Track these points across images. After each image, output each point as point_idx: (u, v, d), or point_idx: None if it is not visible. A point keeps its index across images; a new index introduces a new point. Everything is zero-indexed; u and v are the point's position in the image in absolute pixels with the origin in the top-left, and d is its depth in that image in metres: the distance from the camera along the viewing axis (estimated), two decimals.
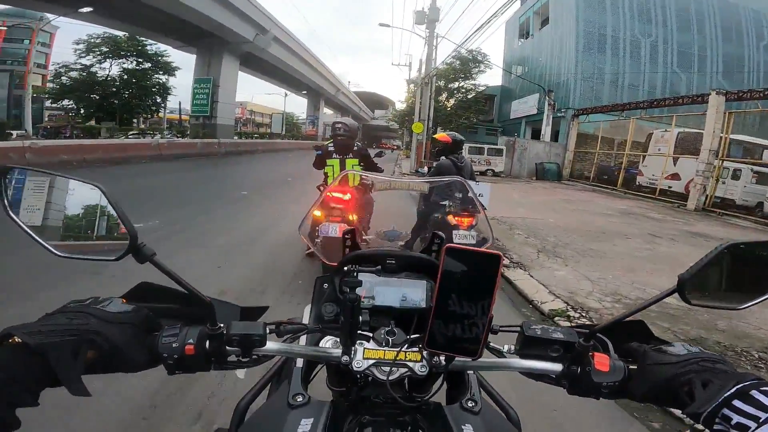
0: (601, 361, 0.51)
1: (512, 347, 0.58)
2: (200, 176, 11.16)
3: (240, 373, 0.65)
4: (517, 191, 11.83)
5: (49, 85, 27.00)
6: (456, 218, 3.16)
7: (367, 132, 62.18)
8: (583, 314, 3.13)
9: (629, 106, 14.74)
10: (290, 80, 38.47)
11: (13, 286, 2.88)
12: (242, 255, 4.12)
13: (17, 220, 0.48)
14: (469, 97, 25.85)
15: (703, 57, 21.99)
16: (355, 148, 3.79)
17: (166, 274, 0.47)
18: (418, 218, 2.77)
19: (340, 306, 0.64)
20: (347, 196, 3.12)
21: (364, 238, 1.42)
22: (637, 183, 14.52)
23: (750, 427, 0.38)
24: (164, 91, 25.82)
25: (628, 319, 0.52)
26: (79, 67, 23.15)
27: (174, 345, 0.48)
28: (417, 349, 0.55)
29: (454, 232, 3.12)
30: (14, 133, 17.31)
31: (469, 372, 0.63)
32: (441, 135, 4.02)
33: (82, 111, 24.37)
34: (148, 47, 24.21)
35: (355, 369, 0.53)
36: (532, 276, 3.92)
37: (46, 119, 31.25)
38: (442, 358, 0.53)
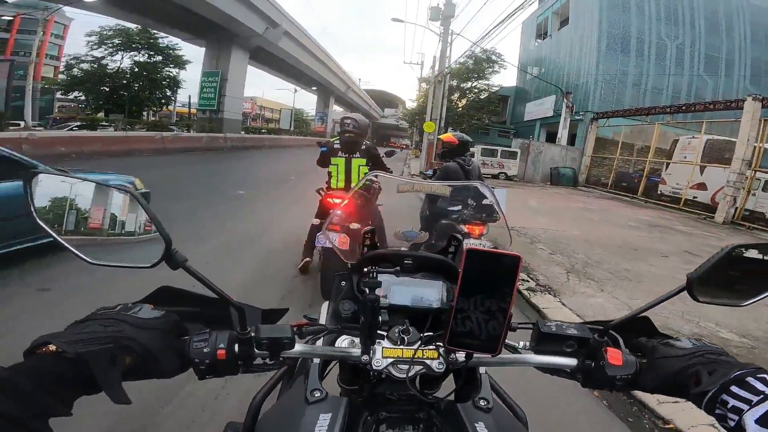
0: (614, 356, 0.53)
1: (527, 344, 0.59)
2: (199, 171, 10.72)
3: None
4: (533, 197, 11.16)
5: (61, 76, 26.99)
6: (467, 226, 2.77)
7: (376, 130, 61.89)
8: None
9: (654, 110, 13.89)
10: (300, 76, 38.10)
11: None
12: (219, 273, 3.28)
13: (46, 227, 0.47)
14: (481, 97, 25.22)
15: (731, 61, 20.92)
16: (363, 147, 3.33)
17: (199, 281, 0.47)
18: (422, 224, 2.50)
19: (357, 304, 0.68)
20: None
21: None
22: (659, 191, 13.73)
23: (743, 410, 0.41)
24: (174, 84, 25.59)
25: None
26: (90, 59, 23.01)
27: (205, 350, 0.49)
28: (433, 347, 0.57)
29: (465, 241, 2.61)
30: (21, 123, 17.15)
31: (481, 371, 0.63)
32: (446, 136, 3.59)
33: (91, 103, 24.25)
34: (160, 40, 23.98)
35: (374, 368, 0.54)
36: (564, 304, 3.31)
37: (56, 110, 31.33)
38: (459, 355, 0.55)
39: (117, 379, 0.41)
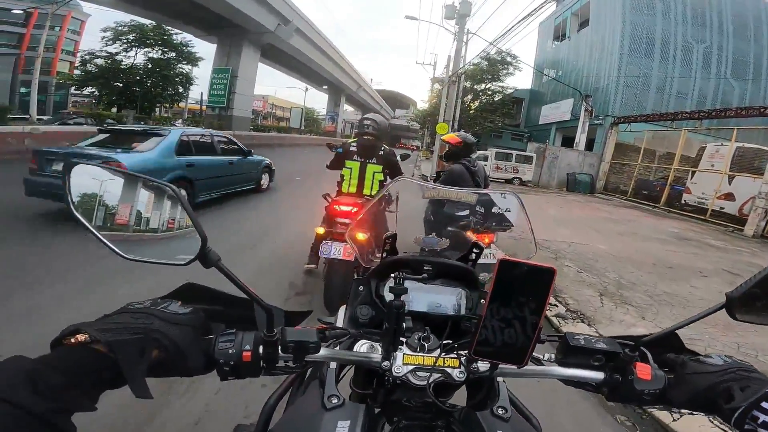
0: (643, 371, 0.53)
1: (551, 356, 0.58)
2: None
3: None
4: (551, 205, 10.59)
5: (75, 72, 27.17)
6: (476, 234, 2.35)
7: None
8: None
9: (681, 115, 13.16)
10: (311, 74, 37.92)
11: None
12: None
13: (83, 220, 0.47)
14: (495, 99, 24.61)
15: (759, 66, 19.97)
16: (381, 152, 3.05)
17: (231, 280, 0.46)
18: (426, 228, 2.04)
19: (375, 309, 0.68)
20: (356, 210, 2.72)
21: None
22: (683, 201, 13.01)
23: None
24: (187, 81, 25.51)
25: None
26: (104, 54, 23.04)
27: (231, 351, 0.48)
28: (455, 355, 0.56)
29: (487, 251, 2.23)
30: (29, 116, 17.16)
31: (499, 379, 0.62)
32: (450, 136, 3.21)
33: (104, 98, 24.29)
34: (174, 37, 23.91)
35: (394, 374, 0.53)
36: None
37: (70, 105, 31.64)
38: (481, 365, 0.54)
39: (142, 373, 0.40)
